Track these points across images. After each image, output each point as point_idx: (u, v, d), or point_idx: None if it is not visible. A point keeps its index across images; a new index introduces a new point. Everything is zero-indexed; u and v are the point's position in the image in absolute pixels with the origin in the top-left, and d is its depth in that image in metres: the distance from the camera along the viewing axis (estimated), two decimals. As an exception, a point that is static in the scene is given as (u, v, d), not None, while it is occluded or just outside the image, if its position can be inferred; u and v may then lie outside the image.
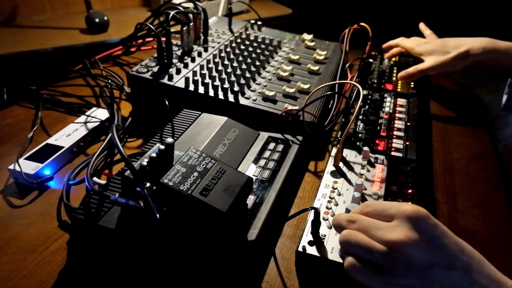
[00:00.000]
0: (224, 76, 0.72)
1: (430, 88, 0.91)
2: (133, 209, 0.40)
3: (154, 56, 0.76)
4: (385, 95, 0.79)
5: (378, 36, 0.98)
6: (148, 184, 0.39)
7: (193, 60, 0.77)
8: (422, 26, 0.94)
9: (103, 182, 0.51)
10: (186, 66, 0.75)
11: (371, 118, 0.71)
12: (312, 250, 0.45)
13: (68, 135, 0.66)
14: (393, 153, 0.62)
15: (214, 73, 0.71)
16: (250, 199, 0.49)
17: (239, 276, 0.45)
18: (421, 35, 0.92)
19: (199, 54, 0.80)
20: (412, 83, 0.84)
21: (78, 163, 0.60)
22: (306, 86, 0.73)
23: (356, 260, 0.39)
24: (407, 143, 0.64)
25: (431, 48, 0.81)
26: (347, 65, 0.91)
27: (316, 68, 0.80)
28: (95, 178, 0.53)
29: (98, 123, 0.70)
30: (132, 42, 1.00)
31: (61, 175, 0.61)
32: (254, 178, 0.53)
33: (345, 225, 0.42)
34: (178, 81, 0.70)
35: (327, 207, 0.51)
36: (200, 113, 0.63)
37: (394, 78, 0.86)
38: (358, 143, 0.64)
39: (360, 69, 0.88)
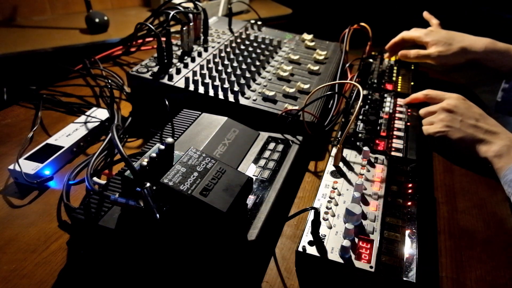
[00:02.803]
0: (224, 76, 0.72)
1: (430, 87, 0.91)
2: (133, 209, 0.40)
3: (154, 56, 0.76)
4: (385, 95, 0.79)
5: (378, 36, 0.98)
6: (148, 184, 0.39)
7: (193, 60, 0.77)
8: (427, 15, 0.95)
9: (103, 182, 0.51)
10: (186, 66, 0.75)
11: (371, 118, 0.71)
12: (312, 250, 0.45)
13: (68, 135, 0.66)
14: (393, 153, 0.62)
15: (214, 73, 0.71)
16: (250, 199, 0.49)
17: (239, 276, 0.45)
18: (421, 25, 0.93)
19: (199, 54, 0.80)
20: (412, 83, 0.85)
21: (78, 163, 0.60)
22: (306, 86, 0.73)
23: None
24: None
25: (437, 38, 0.85)
26: (347, 65, 0.91)
27: (316, 68, 0.80)
28: (95, 178, 0.52)
29: (98, 123, 0.70)
30: (132, 42, 1.00)
31: (61, 175, 0.61)
32: (254, 178, 0.53)
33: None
34: (178, 81, 0.70)
35: (327, 207, 0.51)
36: (200, 113, 0.63)
37: (394, 78, 0.86)
38: (358, 143, 0.64)
39: (360, 69, 0.88)
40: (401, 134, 0.67)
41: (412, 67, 0.91)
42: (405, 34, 0.92)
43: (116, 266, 0.46)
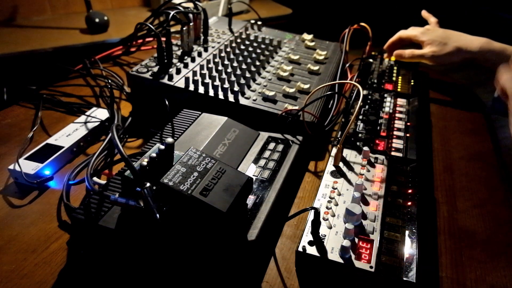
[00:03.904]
0: (224, 76, 0.72)
1: (430, 87, 0.91)
2: (133, 209, 0.40)
3: (154, 56, 0.76)
4: (385, 95, 0.79)
5: (378, 36, 0.98)
6: (148, 184, 0.39)
7: (193, 60, 0.77)
8: (425, 13, 0.95)
9: (103, 182, 0.51)
10: (186, 66, 0.75)
11: (371, 118, 0.71)
12: (312, 250, 0.45)
13: (68, 135, 0.66)
14: (393, 153, 0.62)
15: (214, 73, 0.71)
16: (250, 199, 0.49)
17: (239, 276, 0.45)
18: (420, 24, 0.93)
19: (199, 54, 0.80)
20: (412, 82, 0.84)
21: (78, 163, 0.60)
22: (306, 86, 0.73)
23: None
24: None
25: (432, 38, 0.84)
26: (347, 65, 0.91)
27: (316, 68, 0.80)
28: (95, 178, 0.53)
29: (98, 123, 0.70)
30: (132, 42, 1.00)
31: (61, 175, 0.61)
32: (254, 178, 0.53)
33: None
34: (178, 81, 0.70)
35: (327, 207, 0.51)
36: (200, 113, 0.63)
37: (394, 78, 0.86)
38: (358, 143, 0.64)
39: (360, 69, 0.88)
40: (401, 134, 0.67)
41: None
42: (402, 33, 0.92)
43: (116, 266, 0.46)
